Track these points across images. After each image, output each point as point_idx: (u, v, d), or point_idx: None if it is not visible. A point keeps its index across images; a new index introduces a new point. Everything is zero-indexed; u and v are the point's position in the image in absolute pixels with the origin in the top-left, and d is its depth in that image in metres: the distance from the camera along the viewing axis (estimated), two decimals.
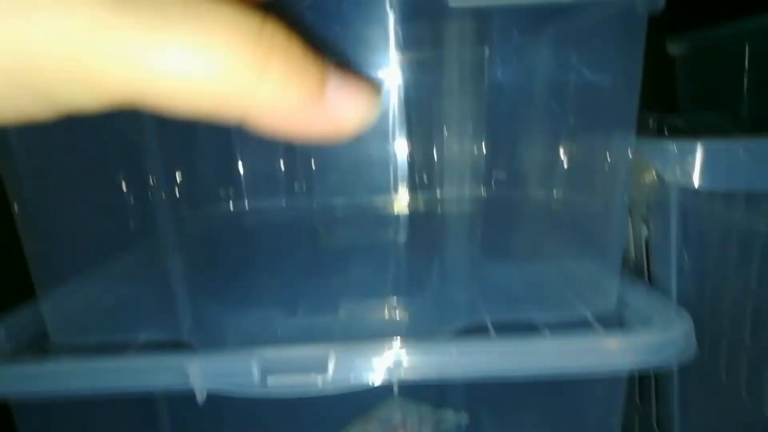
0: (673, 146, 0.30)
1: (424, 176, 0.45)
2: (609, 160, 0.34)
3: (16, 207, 0.33)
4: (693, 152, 0.29)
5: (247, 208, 0.48)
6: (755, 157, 0.29)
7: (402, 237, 0.46)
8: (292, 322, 0.33)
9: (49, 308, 0.35)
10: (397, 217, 0.46)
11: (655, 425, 0.40)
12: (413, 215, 0.46)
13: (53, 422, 0.34)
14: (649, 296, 0.33)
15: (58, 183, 0.35)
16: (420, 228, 0.45)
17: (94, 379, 0.28)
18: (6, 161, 0.32)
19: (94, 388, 0.28)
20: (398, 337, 0.29)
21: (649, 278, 0.37)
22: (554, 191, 0.39)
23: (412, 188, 0.46)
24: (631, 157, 0.32)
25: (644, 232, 0.37)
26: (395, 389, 0.38)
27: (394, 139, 0.44)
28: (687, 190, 0.31)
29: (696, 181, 0.29)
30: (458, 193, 0.40)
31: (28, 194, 0.33)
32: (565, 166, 0.38)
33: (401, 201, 0.46)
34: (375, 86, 0.13)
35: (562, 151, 0.37)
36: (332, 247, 0.45)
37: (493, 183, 0.43)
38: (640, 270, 0.37)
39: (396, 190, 0.46)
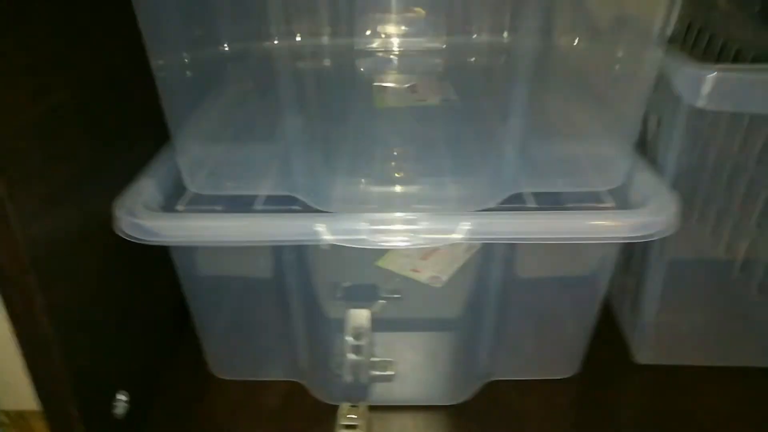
0: (689, 69, 0.38)
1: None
2: (638, 63, 0.42)
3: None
4: (704, 79, 0.38)
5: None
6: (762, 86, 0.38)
7: (452, 93, 0.54)
8: (376, 189, 0.43)
9: (184, 164, 0.44)
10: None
11: (636, 265, 0.53)
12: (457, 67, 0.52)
13: (202, 258, 0.46)
14: (651, 179, 0.43)
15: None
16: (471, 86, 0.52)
17: (243, 233, 0.39)
18: None
19: (241, 241, 0.39)
20: (462, 208, 0.40)
21: (655, 161, 0.47)
22: (589, 76, 0.47)
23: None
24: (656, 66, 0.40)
25: (657, 123, 0.46)
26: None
27: None
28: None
29: (703, 103, 0.38)
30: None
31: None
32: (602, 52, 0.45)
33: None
34: None
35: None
36: (392, 109, 0.54)
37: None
38: (648, 154, 0.48)
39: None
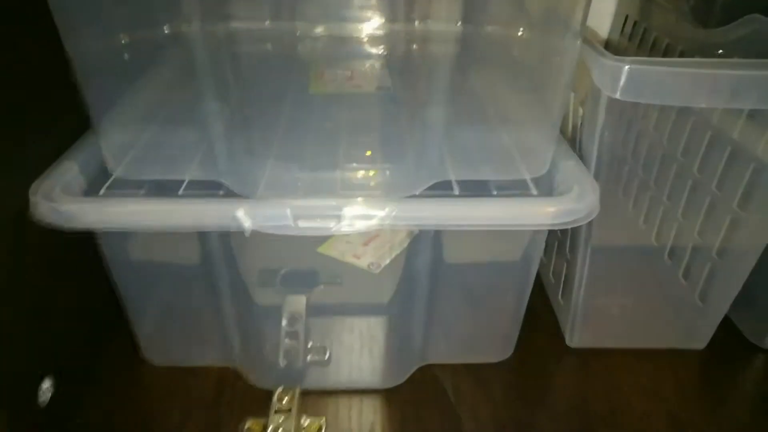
0: (605, 62, 0.39)
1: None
2: (559, 54, 0.43)
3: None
4: (619, 71, 0.39)
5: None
6: (673, 79, 0.39)
7: (387, 82, 0.54)
8: (303, 176, 0.43)
9: (108, 148, 0.44)
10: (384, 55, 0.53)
11: (567, 251, 0.54)
12: (396, 55, 0.53)
13: (129, 244, 0.46)
14: (575, 167, 0.44)
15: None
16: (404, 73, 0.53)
17: (164, 218, 0.39)
18: None
19: (163, 226, 0.39)
20: (388, 194, 0.41)
21: (581, 148, 0.48)
22: (514, 65, 0.48)
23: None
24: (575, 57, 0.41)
25: (580, 112, 0.47)
26: None
27: None
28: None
29: (619, 94, 0.39)
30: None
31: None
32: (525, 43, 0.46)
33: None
34: None
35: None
36: (326, 96, 0.54)
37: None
38: (573, 142, 0.49)
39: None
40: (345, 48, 0.60)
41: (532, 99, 0.46)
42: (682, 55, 0.61)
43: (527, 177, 0.45)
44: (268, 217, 0.39)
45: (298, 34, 0.59)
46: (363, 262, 0.57)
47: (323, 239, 0.58)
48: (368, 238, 0.60)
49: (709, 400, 0.51)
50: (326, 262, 0.55)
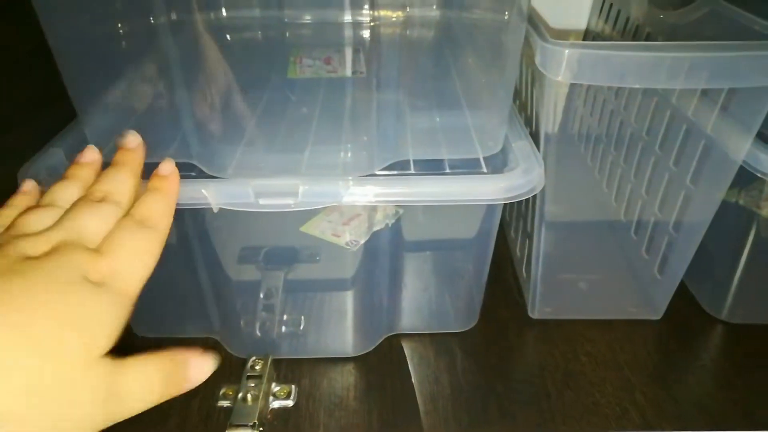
0: (547, 46, 0.42)
1: None
2: (506, 36, 0.45)
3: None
4: (561, 54, 0.41)
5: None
6: (609, 62, 0.41)
7: (362, 66, 0.57)
8: (272, 158, 0.47)
9: (91, 134, 0.47)
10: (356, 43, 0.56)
11: (528, 227, 0.57)
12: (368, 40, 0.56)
13: None
14: (524, 145, 0.47)
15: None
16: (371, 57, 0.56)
17: None
18: None
19: None
20: (348, 173, 0.44)
21: (533, 127, 0.51)
22: (466, 47, 0.50)
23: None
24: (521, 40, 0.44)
25: (535, 93, 0.50)
26: None
27: None
28: None
29: (562, 76, 0.41)
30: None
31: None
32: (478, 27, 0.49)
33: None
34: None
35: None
36: (302, 80, 0.57)
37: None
38: (528, 120, 0.51)
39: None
40: (323, 34, 0.63)
41: (485, 81, 0.48)
42: (648, 38, 0.63)
43: (481, 156, 0.47)
44: (232, 195, 0.42)
45: (285, 21, 0.62)
46: (342, 240, 0.60)
47: (306, 219, 0.61)
48: (348, 217, 0.63)
49: (663, 368, 0.53)
50: (306, 240, 0.59)
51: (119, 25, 0.52)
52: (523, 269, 0.60)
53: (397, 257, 0.51)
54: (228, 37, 0.60)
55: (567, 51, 0.41)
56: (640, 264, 0.59)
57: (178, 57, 0.43)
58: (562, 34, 0.82)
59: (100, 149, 0.47)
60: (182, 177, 0.45)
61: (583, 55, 0.41)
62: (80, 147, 0.47)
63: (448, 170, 0.47)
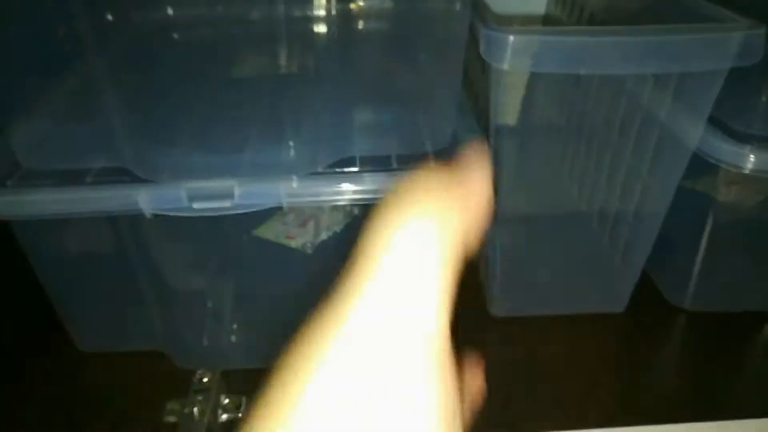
0: (490, 33, 0.40)
1: None
2: (451, 27, 0.43)
3: None
4: (503, 41, 0.39)
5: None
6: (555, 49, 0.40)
7: (309, 62, 0.55)
8: (208, 159, 0.44)
9: (16, 140, 0.44)
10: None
11: None
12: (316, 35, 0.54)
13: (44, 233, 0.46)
14: (474, 138, 0.45)
15: None
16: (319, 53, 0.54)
17: (68, 205, 0.40)
18: None
19: (68, 212, 0.40)
20: (291, 172, 0.42)
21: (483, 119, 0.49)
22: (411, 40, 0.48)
23: None
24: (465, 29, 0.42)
25: (479, 85, 0.48)
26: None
27: None
28: None
29: (506, 65, 0.40)
30: None
31: None
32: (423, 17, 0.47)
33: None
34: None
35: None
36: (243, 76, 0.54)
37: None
38: (477, 114, 0.49)
39: None
40: (269, 31, 0.60)
41: (432, 74, 0.46)
42: (602, 24, 0.62)
43: (430, 150, 0.46)
44: (164, 200, 0.40)
45: (231, 18, 0.60)
46: (296, 243, 0.58)
47: (260, 223, 0.59)
48: (304, 219, 0.61)
49: (627, 361, 0.52)
50: (259, 245, 0.56)
51: (41, 29, 0.50)
52: (484, 265, 0.58)
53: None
54: (175, 36, 0.58)
55: (511, 37, 0.39)
56: (602, 256, 0.58)
57: (106, 59, 0.40)
58: (523, 20, 0.81)
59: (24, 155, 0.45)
60: (113, 182, 0.43)
61: (528, 41, 0.39)
62: (5, 154, 0.45)
63: (394, 165, 0.45)
